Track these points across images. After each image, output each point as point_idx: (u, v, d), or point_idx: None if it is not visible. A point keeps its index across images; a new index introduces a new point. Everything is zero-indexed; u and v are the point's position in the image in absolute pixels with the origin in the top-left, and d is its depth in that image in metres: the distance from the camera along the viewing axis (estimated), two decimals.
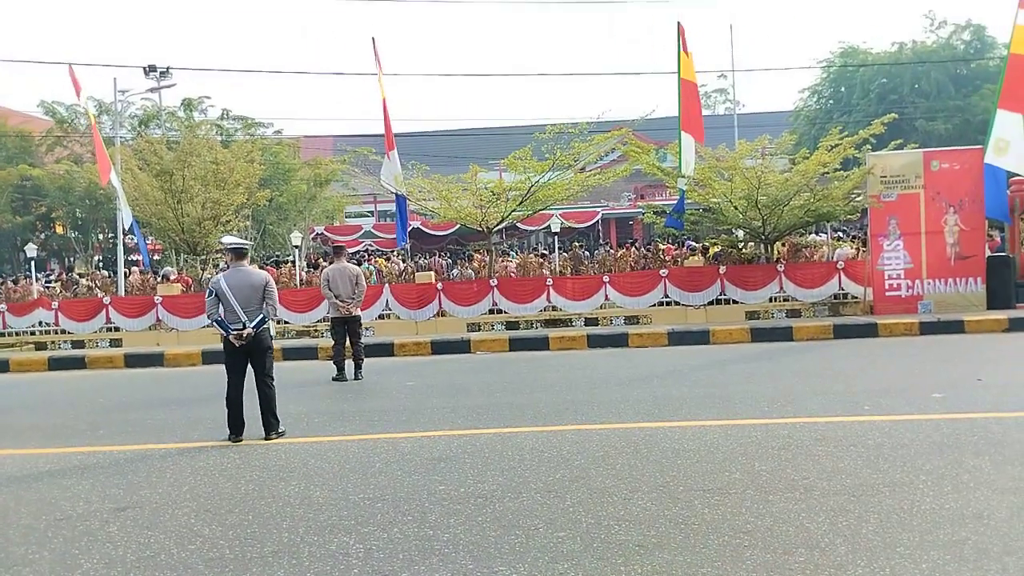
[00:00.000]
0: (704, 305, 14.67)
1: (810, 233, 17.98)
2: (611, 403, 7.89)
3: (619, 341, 13.06)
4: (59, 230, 35.10)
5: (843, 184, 14.30)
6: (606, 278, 15.16)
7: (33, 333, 16.29)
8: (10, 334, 16.32)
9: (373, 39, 15.48)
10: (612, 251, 18.96)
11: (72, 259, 34.87)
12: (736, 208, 14.76)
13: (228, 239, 7.40)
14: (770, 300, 14.55)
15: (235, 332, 6.90)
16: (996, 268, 13.65)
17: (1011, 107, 13.33)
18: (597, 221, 35.49)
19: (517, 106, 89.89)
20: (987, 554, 3.74)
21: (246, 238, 27.69)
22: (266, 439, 6.89)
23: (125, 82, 31.26)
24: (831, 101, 40.09)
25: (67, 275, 21.82)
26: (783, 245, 15.62)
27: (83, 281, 18.98)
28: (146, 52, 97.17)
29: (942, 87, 36.35)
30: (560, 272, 16.39)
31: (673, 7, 74.03)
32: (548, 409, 7.75)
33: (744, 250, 15.90)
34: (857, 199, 14.62)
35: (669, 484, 5.04)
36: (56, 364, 13.89)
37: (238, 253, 7.21)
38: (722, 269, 14.78)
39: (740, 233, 16.47)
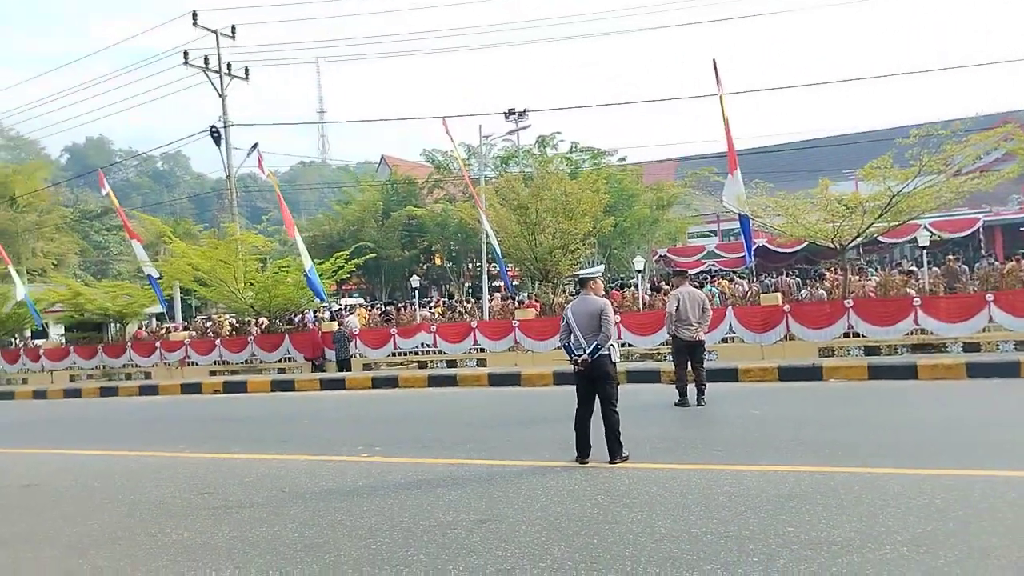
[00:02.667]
0: None
1: None
2: (1001, 445, 6.77)
3: (1010, 370, 11.20)
4: (437, 261, 40.12)
5: None
6: (990, 296, 13.14)
7: (417, 353, 18.72)
8: (399, 354, 18.94)
9: (714, 61, 15.35)
10: (998, 264, 16.36)
11: (448, 287, 39.60)
12: None
13: (589, 269, 7.83)
14: None
15: (576, 358, 7.23)
16: None
17: None
18: (978, 230, 30.97)
19: (870, 110, 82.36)
20: None
21: (593, 263, 29.09)
22: (610, 463, 7.07)
23: (489, 127, 34.93)
24: None
25: (446, 301, 24.81)
26: None
27: (458, 307, 21.41)
28: (506, 98, 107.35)
29: None
30: (930, 290, 14.57)
31: None
32: (916, 448, 6.89)
33: None
34: None
35: None
36: (434, 381, 15.79)
37: (582, 282, 7.60)
38: None
39: None
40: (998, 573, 3.95)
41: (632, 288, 19.64)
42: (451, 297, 28.70)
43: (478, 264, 33.38)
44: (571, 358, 7.35)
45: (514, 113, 34.02)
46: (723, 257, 33.61)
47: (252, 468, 8.09)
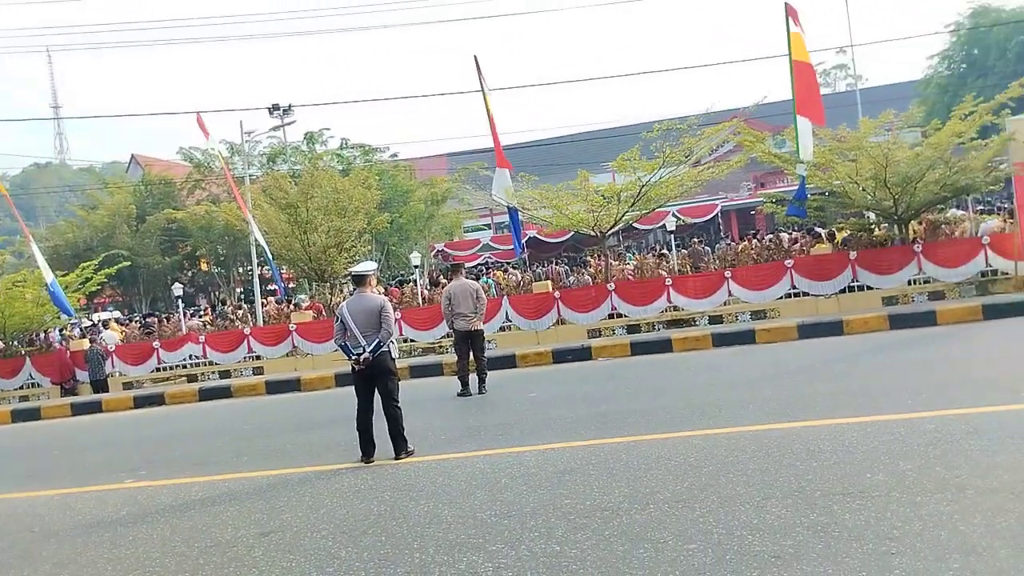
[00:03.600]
0: (835, 294, 13.98)
1: (949, 208, 16.78)
2: (740, 404, 7.61)
3: (746, 338, 12.62)
4: (203, 267, 37.65)
5: (982, 154, 13.30)
6: (728, 273, 14.71)
7: (185, 366, 17.48)
8: (165, 369, 17.58)
9: (475, 57, 15.71)
10: (733, 244, 18.37)
11: (217, 293, 37.31)
12: (863, 189, 14.00)
13: (358, 267, 7.68)
14: (908, 283, 13.69)
15: (355, 357, 7.14)
16: None
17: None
18: (716, 214, 34.56)
19: (622, 107, 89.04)
20: None
21: (371, 261, 28.81)
22: (396, 459, 7.07)
23: (251, 123, 33.30)
24: (964, 66, 37.44)
25: (215, 309, 23.36)
26: (919, 224, 14.65)
27: (229, 314, 20.24)
28: (269, 93, 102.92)
29: None
30: (679, 271, 16.04)
31: None
32: (674, 414, 7.57)
33: (876, 232, 15.02)
34: (1000, 168, 13.53)
35: (805, 488, 4.79)
36: (206, 394, 14.83)
37: (357, 280, 7.49)
38: (852, 255, 14.03)
39: (871, 215, 15.58)
40: (744, 517, 4.44)
41: (411, 284, 19.70)
42: (223, 304, 27.11)
43: (249, 268, 31.84)
44: (349, 357, 7.24)
45: (279, 108, 32.73)
46: (498, 249, 34.75)
47: None
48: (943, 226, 14.65)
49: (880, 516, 4.18)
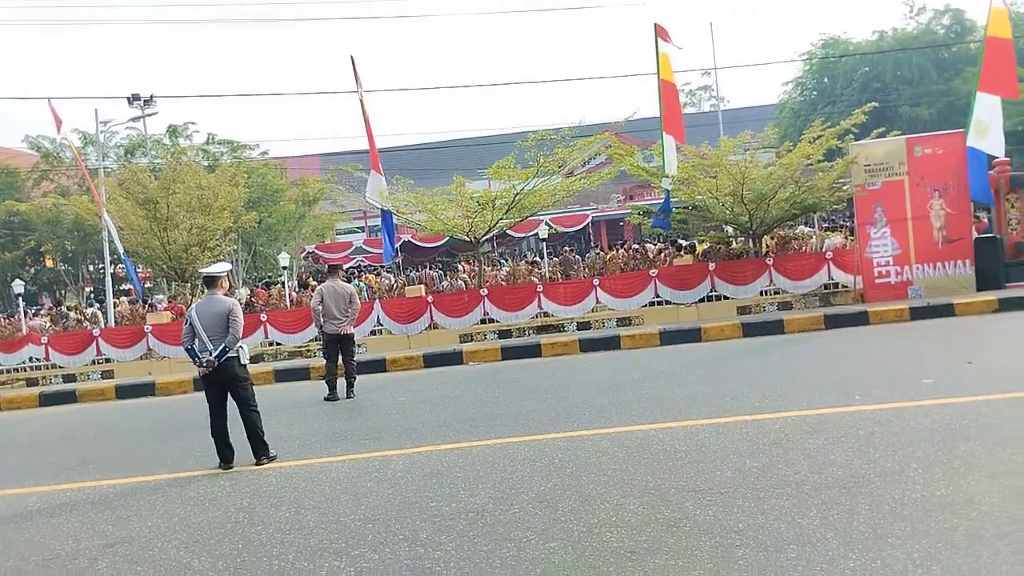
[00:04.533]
0: (695, 303, 14.66)
1: (799, 225, 17.99)
2: (603, 407, 7.85)
3: (612, 344, 13.03)
4: (49, 263, 34.97)
5: (827, 175, 14.32)
6: (596, 281, 15.15)
7: (24, 369, 16.20)
8: (1, 371, 16.21)
9: (352, 58, 15.47)
10: (602, 253, 18.94)
11: (63, 292, 34.77)
12: (722, 204, 14.77)
13: (210, 268, 7.36)
14: (761, 294, 14.55)
15: (199, 361, 6.86)
16: (984, 249, 13.67)
17: (990, 90, 13.38)
18: (587, 224, 35.48)
19: (499, 115, 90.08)
20: (979, 539, 3.72)
21: (235, 262, 27.69)
22: (256, 464, 6.83)
23: (108, 113, 31.35)
24: (815, 92, 40.23)
25: (56, 309, 21.74)
26: (771, 238, 15.62)
27: (72, 315, 18.90)
28: (129, 82, 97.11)
29: (924, 72, 36.48)
30: (550, 277, 16.37)
31: (651, 8, 74.23)
32: (540, 417, 7.71)
33: (733, 245, 15.90)
34: (843, 189, 14.64)
35: (661, 486, 5.01)
36: (47, 400, 13.79)
37: (208, 281, 7.18)
38: (711, 266, 14.78)
39: (729, 229, 16.48)
40: (603, 515, 4.59)
41: (279, 285, 19.10)
42: (60, 304, 25.23)
43: (101, 266, 29.86)
44: (195, 362, 6.93)
45: (139, 99, 31.04)
46: (371, 252, 34.19)
47: None
48: (792, 241, 15.70)
49: (727, 511, 4.43)
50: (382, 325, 15.46)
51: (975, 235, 13.97)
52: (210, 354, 6.81)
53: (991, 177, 13.99)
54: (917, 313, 12.35)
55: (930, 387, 7.12)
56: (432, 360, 13.28)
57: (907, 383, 7.41)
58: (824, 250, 15.07)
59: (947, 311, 12.25)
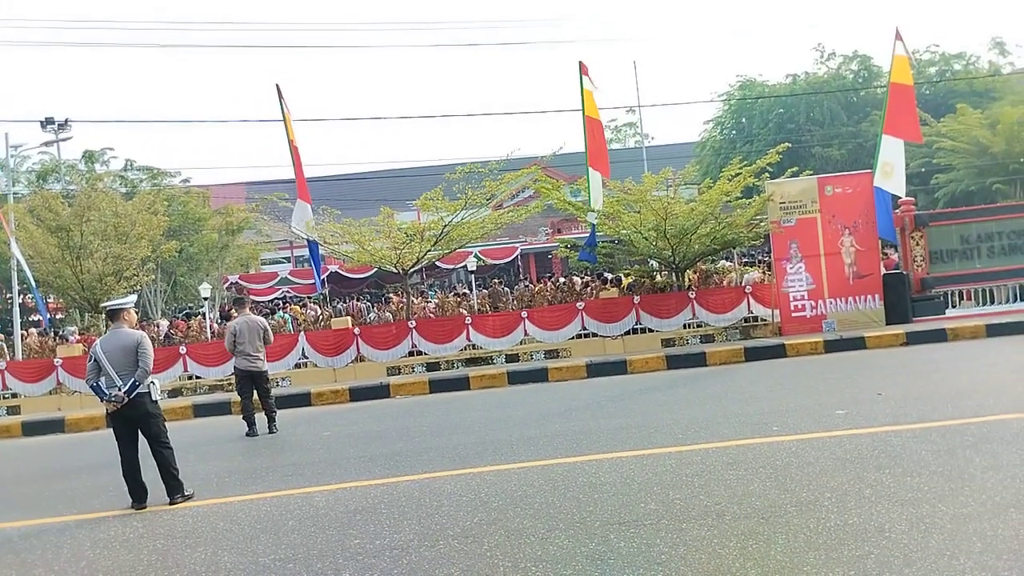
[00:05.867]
0: (621, 335, 14.90)
1: (720, 260, 18.52)
2: (530, 440, 7.88)
3: (539, 376, 13.11)
4: None
5: (745, 212, 14.84)
6: (524, 313, 15.24)
7: None
8: None
9: (278, 86, 15.35)
10: (531, 286, 19.10)
11: None
12: (646, 239, 15.11)
13: (113, 301, 7.09)
14: (684, 327, 14.89)
15: (107, 398, 6.58)
16: (892, 285, 14.34)
17: (894, 133, 14.18)
18: (516, 257, 35.75)
19: (427, 147, 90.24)
20: (889, 567, 3.86)
21: (153, 292, 26.80)
22: (171, 504, 6.58)
23: (19, 136, 30.14)
24: (734, 131, 41.70)
25: None
26: (694, 272, 16.05)
27: None
28: (42, 106, 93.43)
29: (835, 115, 38.27)
30: (479, 309, 16.40)
31: (578, 46, 76.06)
32: (467, 451, 7.67)
33: (657, 279, 16.26)
34: (760, 225, 15.17)
35: (586, 519, 5.04)
36: None
37: (111, 315, 6.94)
38: (636, 299, 15.07)
39: (653, 263, 16.84)
40: (529, 549, 4.59)
41: (199, 317, 18.57)
42: None
43: (8, 295, 28.47)
44: (101, 399, 6.65)
45: (53, 122, 29.97)
46: (297, 283, 33.59)
47: None
48: (714, 275, 16.16)
49: (651, 543, 4.49)
50: (307, 358, 15.17)
51: (884, 271, 14.65)
52: (119, 390, 6.54)
53: (896, 216, 14.75)
54: (831, 346, 12.84)
55: (843, 418, 7.39)
56: (358, 394, 13.09)
57: (821, 414, 7.68)
58: (744, 284, 15.55)
59: (859, 344, 12.78)
